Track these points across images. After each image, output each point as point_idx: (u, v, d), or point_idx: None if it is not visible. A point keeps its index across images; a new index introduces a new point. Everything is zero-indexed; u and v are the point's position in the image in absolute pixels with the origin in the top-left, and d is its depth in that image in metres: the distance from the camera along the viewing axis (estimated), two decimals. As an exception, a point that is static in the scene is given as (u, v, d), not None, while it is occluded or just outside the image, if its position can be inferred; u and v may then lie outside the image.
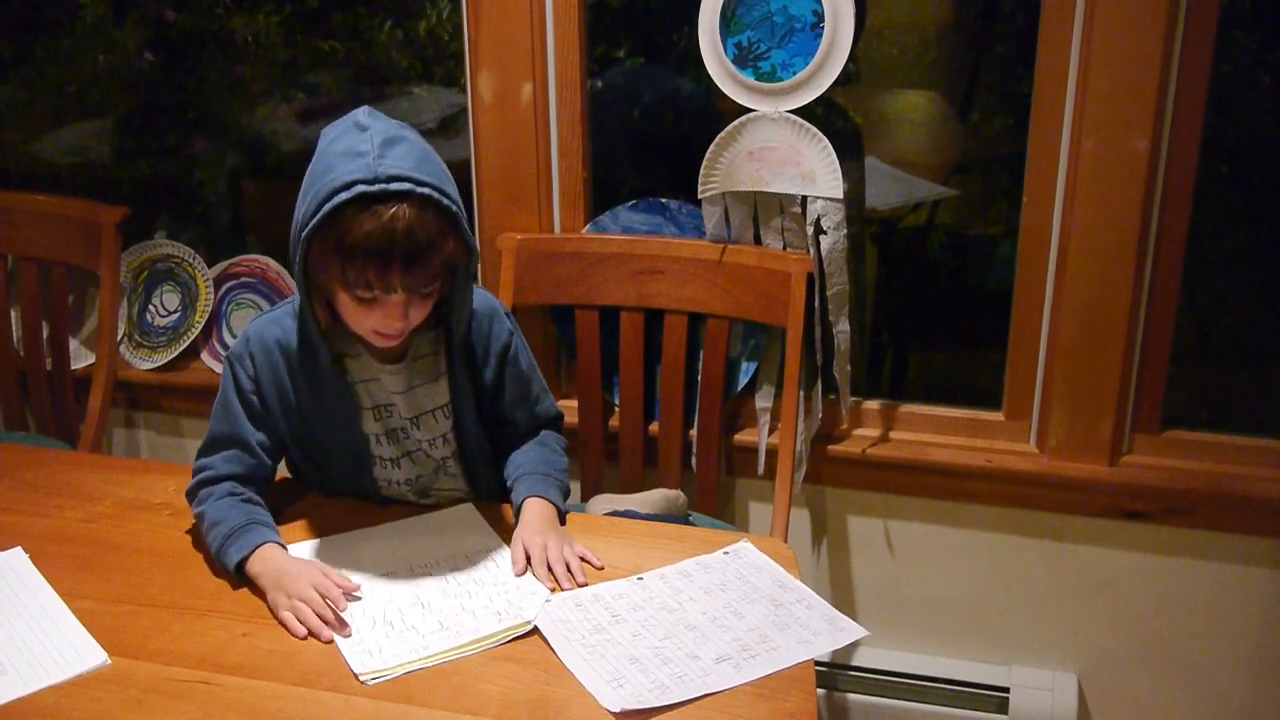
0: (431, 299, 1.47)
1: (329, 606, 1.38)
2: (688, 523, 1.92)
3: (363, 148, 1.38)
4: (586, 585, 1.46)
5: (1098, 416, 2.00)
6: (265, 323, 1.59)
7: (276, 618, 1.40)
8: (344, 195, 1.35)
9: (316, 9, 2.39)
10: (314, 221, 1.37)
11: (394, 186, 1.36)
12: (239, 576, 1.47)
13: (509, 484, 1.64)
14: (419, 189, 1.37)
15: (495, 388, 1.65)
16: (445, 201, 1.40)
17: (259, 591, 1.44)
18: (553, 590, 1.44)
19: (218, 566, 1.49)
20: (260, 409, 1.58)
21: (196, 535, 1.58)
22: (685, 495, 2.00)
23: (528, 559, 1.49)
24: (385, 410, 1.60)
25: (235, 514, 1.51)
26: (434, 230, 1.39)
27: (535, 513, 1.56)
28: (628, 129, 2.26)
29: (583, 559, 1.51)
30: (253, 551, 1.47)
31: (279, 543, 1.50)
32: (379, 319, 1.44)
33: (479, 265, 1.51)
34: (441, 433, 1.63)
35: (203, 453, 1.60)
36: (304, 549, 1.54)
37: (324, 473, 1.67)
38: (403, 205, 1.36)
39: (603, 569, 1.50)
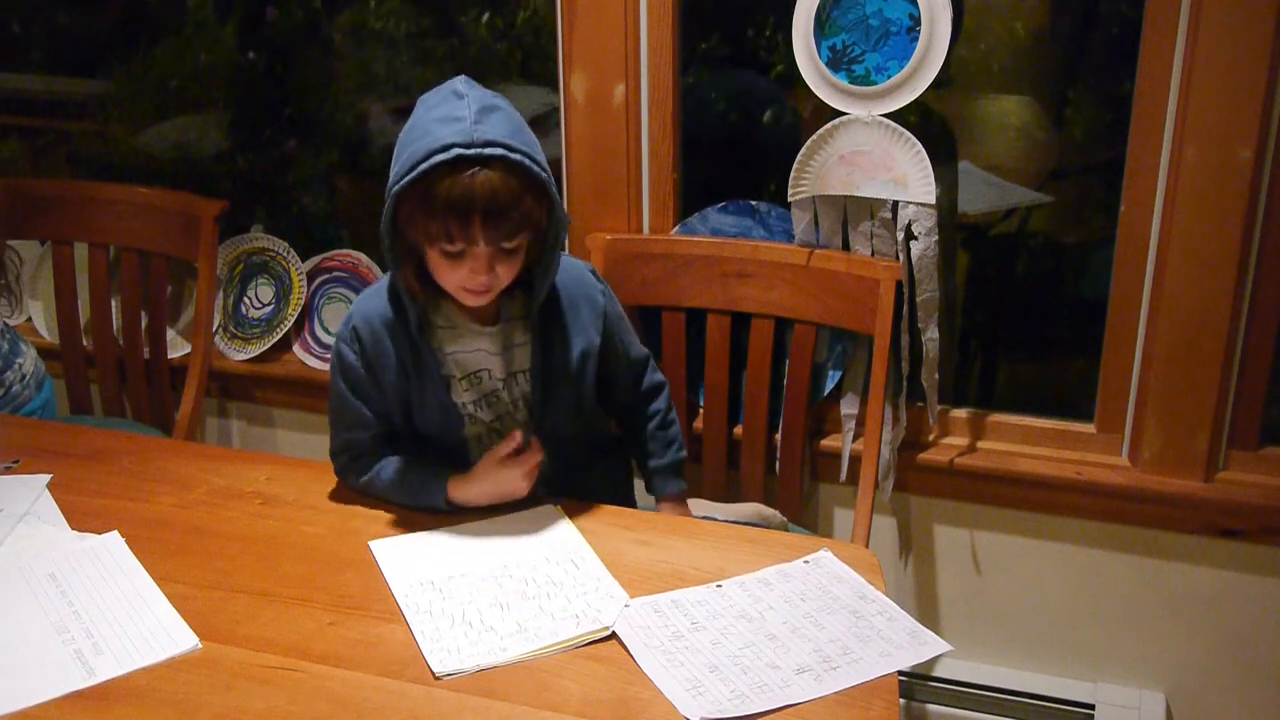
0: (518, 256, 1.53)
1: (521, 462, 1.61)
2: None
3: (460, 114, 1.45)
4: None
5: (1193, 430, 1.95)
6: (366, 297, 1.67)
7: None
8: (440, 157, 1.42)
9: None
10: (407, 179, 1.43)
11: (489, 151, 1.42)
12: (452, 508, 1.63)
13: (642, 472, 1.87)
14: (512, 155, 1.44)
15: (595, 351, 1.69)
16: (535, 169, 1.46)
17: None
18: None
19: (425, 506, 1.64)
20: (369, 384, 1.65)
21: (286, 524, 1.61)
22: (783, 516, 1.99)
23: None
24: (477, 377, 1.65)
25: (403, 474, 1.64)
26: (516, 188, 1.45)
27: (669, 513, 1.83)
28: (713, 128, 2.25)
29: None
30: (445, 495, 1.62)
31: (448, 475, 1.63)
32: (466, 274, 1.50)
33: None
34: (522, 395, 1.68)
35: (335, 438, 1.70)
36: (386, 547, 1.56)
37: (419, 433, 1.70)
38: (491, 168, 1.43)
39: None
